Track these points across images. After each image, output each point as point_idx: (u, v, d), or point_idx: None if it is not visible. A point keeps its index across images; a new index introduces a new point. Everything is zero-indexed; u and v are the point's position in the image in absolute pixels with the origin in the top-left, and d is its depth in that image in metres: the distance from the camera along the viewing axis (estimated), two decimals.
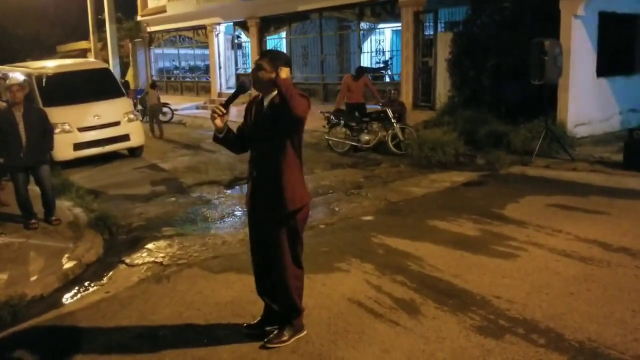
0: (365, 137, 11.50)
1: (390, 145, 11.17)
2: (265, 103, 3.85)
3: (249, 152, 4.00)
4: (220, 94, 22.22)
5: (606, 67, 11.68)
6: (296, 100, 3.57)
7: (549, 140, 10.10)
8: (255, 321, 4.29)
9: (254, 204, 3.97)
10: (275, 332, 4.09)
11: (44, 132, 7.21)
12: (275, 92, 3.75)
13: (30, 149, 7.00)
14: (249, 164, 4.00)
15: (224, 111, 3.83)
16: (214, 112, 3.82)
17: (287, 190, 3.81)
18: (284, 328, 4.08)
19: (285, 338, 4.04)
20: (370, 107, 12.51)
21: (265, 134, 3.83)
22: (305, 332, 4.15)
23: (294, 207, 3.84)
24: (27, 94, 7.18)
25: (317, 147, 12.31)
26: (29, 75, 11.56)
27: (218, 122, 3.83)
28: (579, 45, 10.99)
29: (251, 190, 3.98)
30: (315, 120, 12.55)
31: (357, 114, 11.89)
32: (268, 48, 20.37)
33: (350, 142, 11.61)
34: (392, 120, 11.20)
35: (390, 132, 11.21)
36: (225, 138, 3.93)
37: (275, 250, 3.91)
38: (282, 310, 4.08)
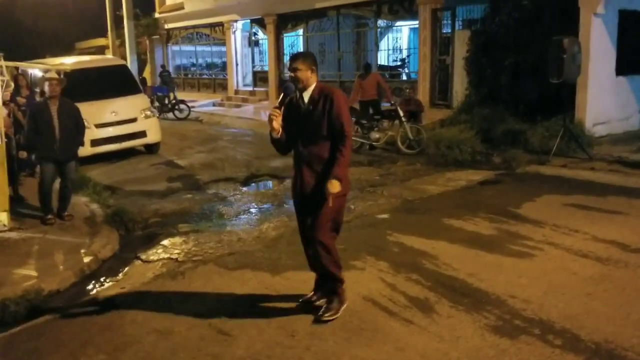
0: (375, 135, 11.47)
1: (400, 145, 11.13)
2: (306, 99, 4.28)
3: (294, 149, 4.35)
4: (237, 91, 22.28)
5: (626, 65, 11.52)
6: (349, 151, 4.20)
7: (566, 139, 10.00)
8: (309, 295, 4.64)
9: (304, 193, 4.28)
10: (324, 306, 4.42)
11: (77, 127, 7.30)
12: (312, 87, 4.27)
13: (63, 143, 7.08)
14: (295, 159, 4.36)
15: (280, 112, 4.22)
16: (271, 114, 4.20)
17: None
18: (332, 301, 4.42)
19: (335, 310, 4.38)
20: (383, 105, 12.46)
21: (311, 131, 4.22)
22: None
23: (340, 194, 4.21)
24: (63, 89, 7.27)
25: None
26: (47, 71, 11.65)
27: (275, 124, 4.22)
28: (598, 43, 10.85)
29: (300, 183, 4.30)
30: None
31: (371, 110, 11.86)
32: (285, 45, 20.44)
33: (360, 140, 11.59)
34: (403, 119, 11.16)
35: (400, 131, 11.17)
36: (280, 138, 4.30)
37: (317, 227, 4.24)
38: (326, 282, 4.44)
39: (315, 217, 4.25)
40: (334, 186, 4.07)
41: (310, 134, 4.24)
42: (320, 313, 4.39)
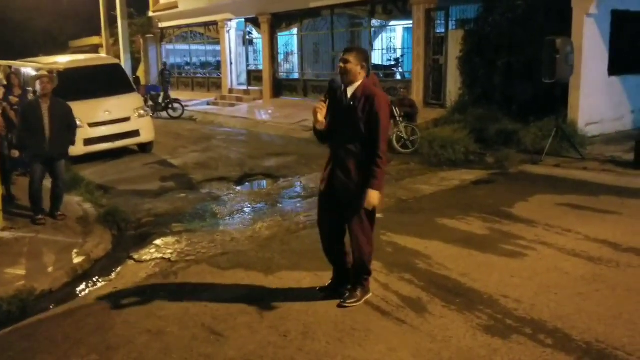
0: None
1: (395, 144, 11.14)
2: (349, 94, 4.34)
3: (330, 142, 4.47)
4: (231, 90, 22.25)
5: (618, 65, 11.58)
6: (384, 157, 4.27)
7: (559, 139, 10.04)
8: (327, 284, 4.80)
9: (335, 187, 4.40)
10: (348, 293, 4.60)
11: (68, 126, 7.27)
12: (358, 84, 4.33)
13: (53, 142, 7.06)
14: (331, 153, 4.47)
15: (325, 105, 4.31)
16: (316, 107, 4.29)
17: (362, 180, 4.29)
18: (356, 289, 4.59)
19: (357, 298, 4.56)
20: None
21: (347, 127, 4.31)
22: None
23: None
24: (54, 88, 7.24)
25: None
26: (39, 70, 11.61)
27: (319, 116, 4.30)
28: (591, 43, 10.90)
29: (331, 178, 4.42)
30: None
31: None
32: (279, 44, 20.42)
33: None
34: (398, 119, 11.18)
35: (395, 131, 11.18)
36: (323, 130, 4.38)
37: (357, 222, 4.42)
38: (355, 272, 4.58)
39: (355, 216, 4.40)
40: (373, 197, 4.26)
41: (346, 130, 4.33)
42: (344, 299, 4.57)
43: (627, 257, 5.40)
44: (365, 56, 4.43)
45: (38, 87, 7.06)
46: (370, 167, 4.26)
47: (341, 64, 4.34)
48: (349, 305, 4.53)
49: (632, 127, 11.85)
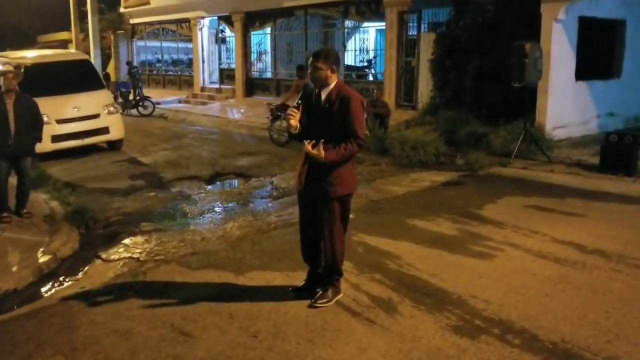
0: None
1: None
2: (323, 97, 4.40)
3: (306, 139, 4.42)
4: (203, 88, 22.08)
5: (585, 71, 11.83)
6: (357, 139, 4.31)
7: (527, 142, 10.22)
8: (301, 284, 4.84)
9: (309, 185, 4.47)
10: (319, 293, 4.62)
11: (34, 122, 7.12)
12: (332, 86, 4.37)
13: (19, 139, 6.90)
14: (305, 153, 4.44)
15: (297, 111, 4.34)
16: (288, 114, 4.34)
17: (336, 180, 4.38)
18: (328, 289, 4.63)
19: (328, 298, 4.60)
20: None
21: (322, 129, 4.35)
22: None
23: (342, 193, 4.44)
24: (20, 83, 7.07)
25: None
26: (6, 65, 11.36)
27: (293, 122, 4.34)
28: (559, 48, 11.11)
29: (306, 174, 4.47)
30: None
31: None
32: (252, 43, 20.35)
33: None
34: None
35: None
36: (297, 134, 4.42)
37: (328, 222, 4.46)
38: (326, 272, 4.64)
39: (328, 215, 4.45)
40: (318, 152, 4.23)
41: (321, 131, 4.35)
42: (315, 299, 4.59)
43: (592, 259, 5.52)
44: (334, 59, 4.42)
45: (2, 82, 6.91)
46: (342, 144, 4.29)
47: (311, 71, 4.38)
48: (320, 305, 4.55)
49: (597, 131, 12.09)
